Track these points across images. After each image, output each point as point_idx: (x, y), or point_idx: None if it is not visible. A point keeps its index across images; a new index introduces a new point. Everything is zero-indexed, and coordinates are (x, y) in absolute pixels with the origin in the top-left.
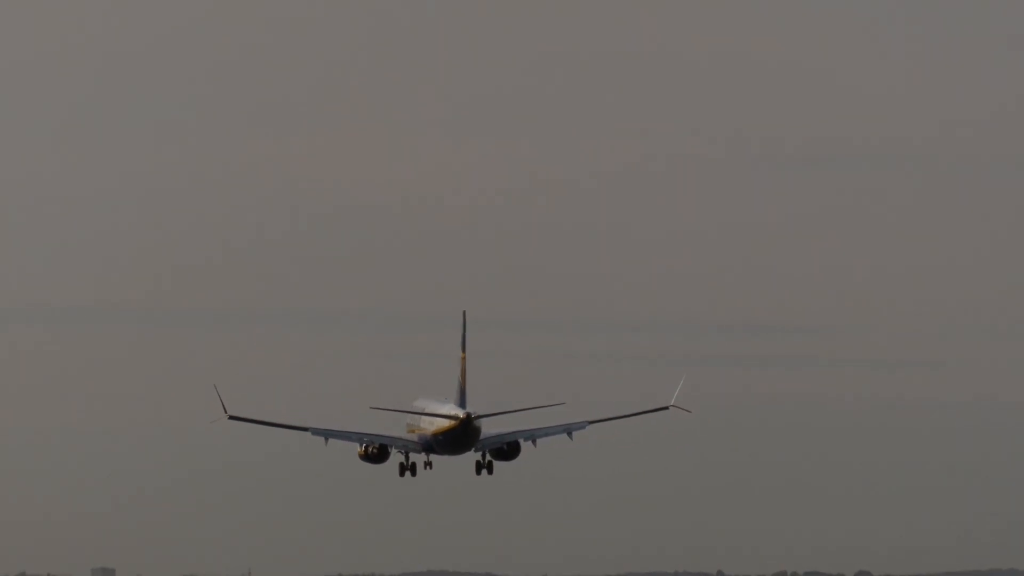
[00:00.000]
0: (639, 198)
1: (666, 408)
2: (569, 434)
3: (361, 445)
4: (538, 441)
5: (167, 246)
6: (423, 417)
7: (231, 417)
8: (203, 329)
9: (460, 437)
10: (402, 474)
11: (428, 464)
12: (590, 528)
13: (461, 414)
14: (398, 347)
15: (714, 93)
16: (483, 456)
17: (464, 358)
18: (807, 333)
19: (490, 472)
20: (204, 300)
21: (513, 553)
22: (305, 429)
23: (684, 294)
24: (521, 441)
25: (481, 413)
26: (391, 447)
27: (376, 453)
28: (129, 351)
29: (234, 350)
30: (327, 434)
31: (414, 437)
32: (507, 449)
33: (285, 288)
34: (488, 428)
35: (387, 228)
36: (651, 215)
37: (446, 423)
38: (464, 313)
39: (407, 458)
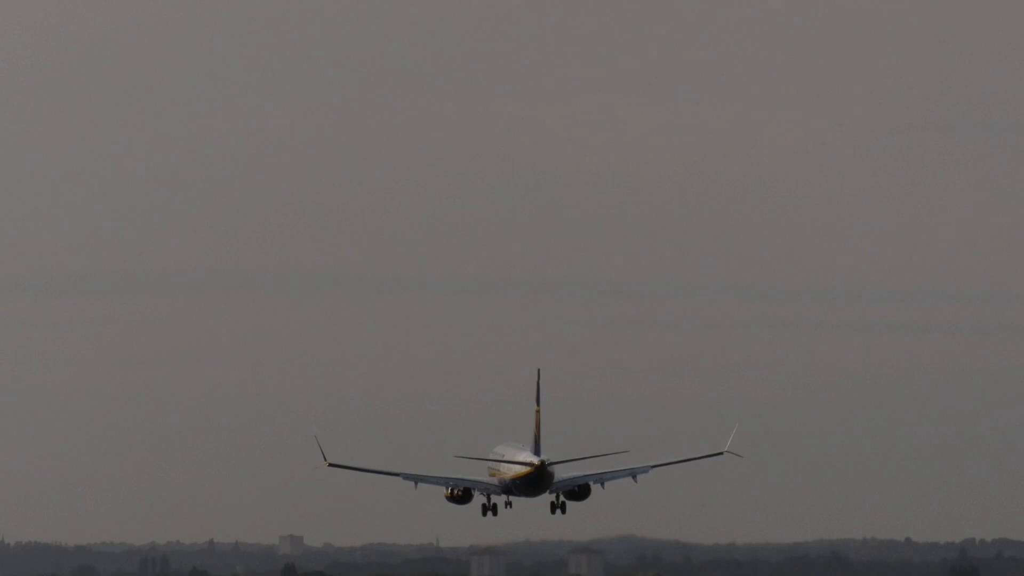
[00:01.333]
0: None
1: (720, 454)
2: (634, 477)
3: (448, 488)
4: (606, 484)
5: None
6: (502, 463)
7: (331, 465)
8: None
9: (536, 481)
10: (484, 514)
11: (508, 504)
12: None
13: (536, 461)
14: None
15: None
16: (557, 497)
17: (538, 411)
18: None
19: (563, 512)
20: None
21: None
22: (398, 475)
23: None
24: (591, 484)
25: (554, 460)
26: (474, 490)
27: (461, 495)
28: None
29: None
30: (417, 479)
31: (495, 481)
32: (578, 491)
33: None
34: (561, 472)
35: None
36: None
37: (523, 469)
38: (539, 371)
39: (488, 499)
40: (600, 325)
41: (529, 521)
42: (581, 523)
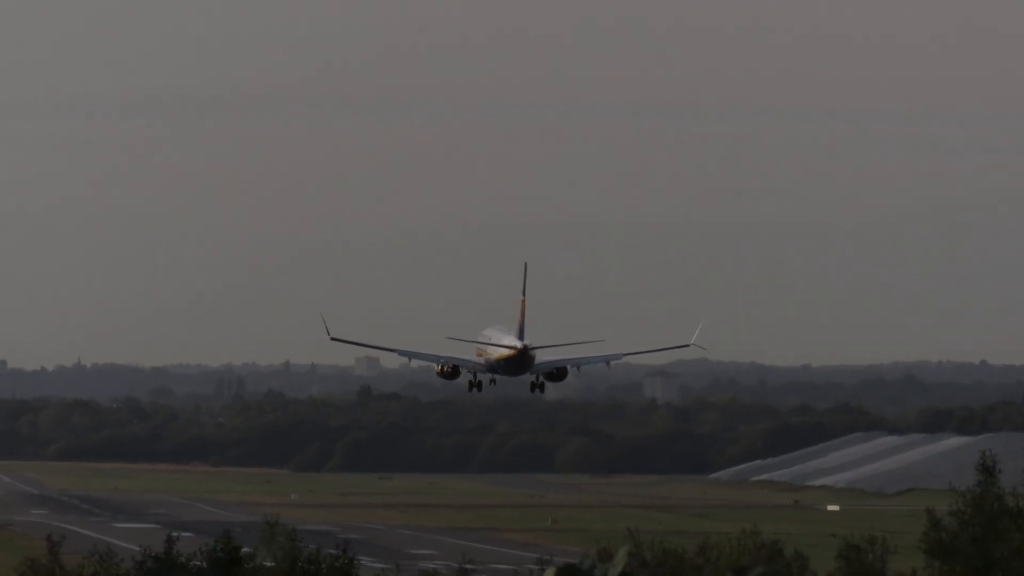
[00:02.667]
0: None
1: (687, 346)
2: (607, 363)
3: (438, 365)
4: (581, 368)
5: None
6: (489, 345)
7: (332, 338)
8: None
9: (518, 363)
10: (470, 389)
11: (493, 381)
12: None
13: (519, 345)
14: None
15: None
16: (536, 378)
17: (524, 300)
18: None
19: (542, 391)
20: None
21: None
22: (394, 350)
23: None
24: (568, 368)
25: (535, 345)
26: (462, 368)
27: (450, 372)
28: None
29: None
30: (411, 355)
31: (481, 360)
32: (556, 373)
33: None
34: (542, 356)
35: None
36: None
37: (507, 351)
38: (525, 264)
39: (475, 376)
40: None
41: (603, 345)
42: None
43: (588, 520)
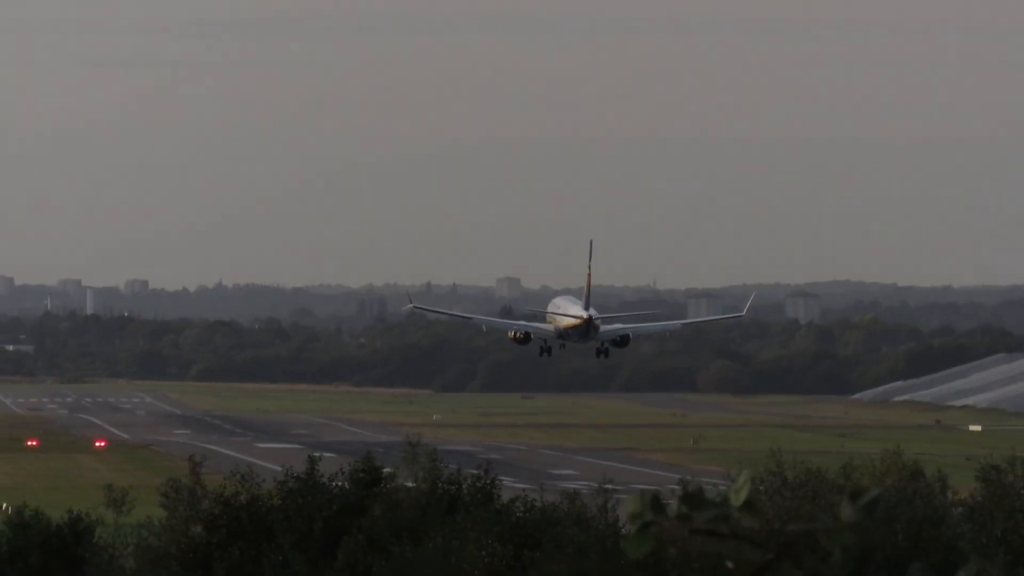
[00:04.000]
0: None
1: (740, 316)
2: (667, 333)
3: (511, 332)
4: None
5: None
6: (558, 315)
7: (415, 307)
8: None
9: (584, 331)
10: (540, 355)
11: (562, 345)
12: None
13: (585, 315)
14: None
15: None
16: (602, 344)
17: (589, 274)
18: None
19: (607, 356)
20: None
21: None
22: (470, 317)
23: None
24: (630, 335)
25: (599, 316)
26: (533, 335)
27: (523, 338)
28: None
29: None
30: (487, 323)
31: (551, 328)
32: (620, 340)
33: None
34: (605, 325)
35: None
36: None
37: (574, 320)
38: (591, 241)
39: (545, 343)
40: None
41: (742, 264)
42: (799, 267)
43: (730, 439)
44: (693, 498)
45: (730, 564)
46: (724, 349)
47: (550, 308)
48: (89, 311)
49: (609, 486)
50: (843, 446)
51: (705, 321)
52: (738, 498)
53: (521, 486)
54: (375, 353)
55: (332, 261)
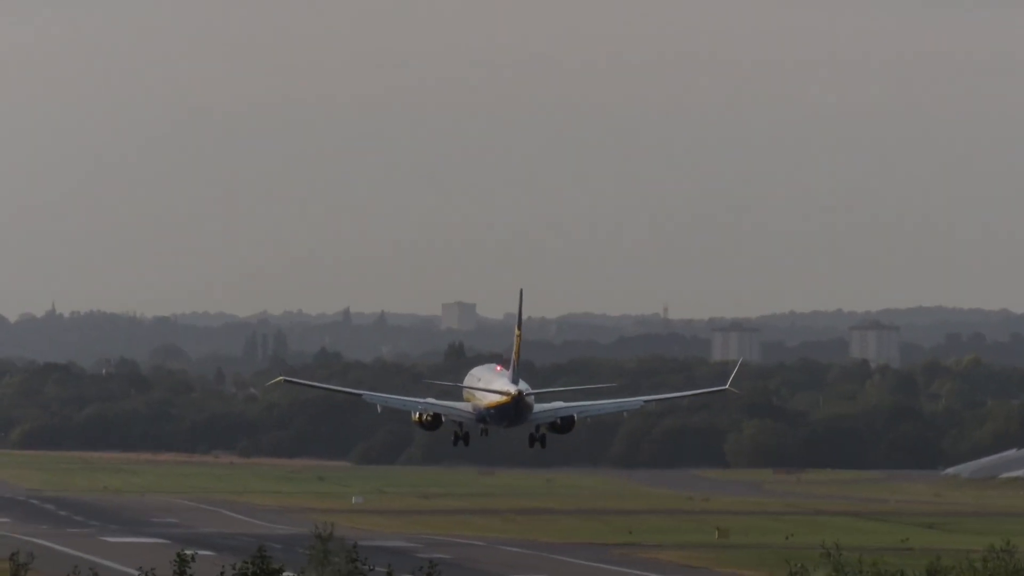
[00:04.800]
0: None
1: (724, 389)
2: (624, 414)
3: (415, 413)
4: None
5: None
6: (477, 389)
7: (286, 380)
8: None
9: (511, 412)
10: (455, 443)
11: (484, 432)
12: None
13: (513, 391)
14: None
15: None
16: (536, 430)
17: (519, 335)
18: None
19: (543, 445)
20: None
21: None
22: (359, 394)
23: None
24: (576, 416)
25: (533, 391)
26: (445, 416)
27: (430, 421)
28: None
29: None
30: (381, 400)
31: (469, 407)
32: (561, 423)
33: None
34: (542, 403)
35: None
36: None
37: (499, 398)
38: (520, 291)
39: (460, 428)
40: None
41: (787, 286)
42: (868, 290)
43: (770, 533)
44: None
45: None
46: (762, 404)
47: (467, 381)
48: None
49: None
50: (930, 541)
51: (680, 396)
52: None
53: None
54: (271, 409)
55: (210, 282)
